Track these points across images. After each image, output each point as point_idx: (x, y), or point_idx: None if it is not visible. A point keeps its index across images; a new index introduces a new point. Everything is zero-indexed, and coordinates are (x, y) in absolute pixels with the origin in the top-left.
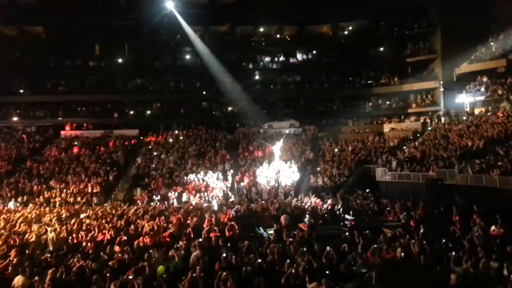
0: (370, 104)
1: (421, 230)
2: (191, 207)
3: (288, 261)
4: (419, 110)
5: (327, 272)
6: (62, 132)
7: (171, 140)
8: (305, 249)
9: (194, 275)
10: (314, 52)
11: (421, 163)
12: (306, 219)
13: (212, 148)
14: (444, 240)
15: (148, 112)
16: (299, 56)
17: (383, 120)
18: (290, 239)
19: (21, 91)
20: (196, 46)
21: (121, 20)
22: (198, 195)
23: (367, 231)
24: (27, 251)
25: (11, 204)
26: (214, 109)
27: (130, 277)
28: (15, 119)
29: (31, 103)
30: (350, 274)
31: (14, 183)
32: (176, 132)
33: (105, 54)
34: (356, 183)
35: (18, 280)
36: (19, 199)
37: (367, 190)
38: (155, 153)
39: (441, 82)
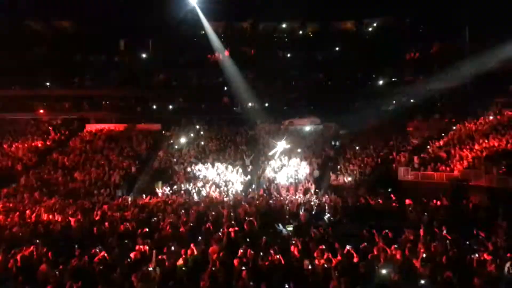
0: (394, 102)
1: (444, 231)
2: (211, 202)
3: (307, 258)
4: (444, 109)
5: (346, 270)
6: (87, 125)
7: (192, 135)
8: (324, 246)
9: (213, 269)
10: (337, 48)
11: (445, 163)
12: (326, 217)
13: (232, 143)
14: (467, 242)
15: (171, 107)
16: (322, 53)
17: (407, 118)
18: (310, 237)
19: (48, 84)
20: (214, 43)
21: (145, 16)
22: (218, 189)
23: (388, 231)
24: (51, 241)
25: None
26: (235, 104)
27: (150, 269)
28: (41, 111)
29: (57, 97)
30: (371, 274)
31: (40, 174)
32: (198, 127)
33: (129, 49)
34: (378, 182)
35: (43, 268)
36: (44, 189)
37: (389, 190)
38: (176, 147)
39: (469, 82)
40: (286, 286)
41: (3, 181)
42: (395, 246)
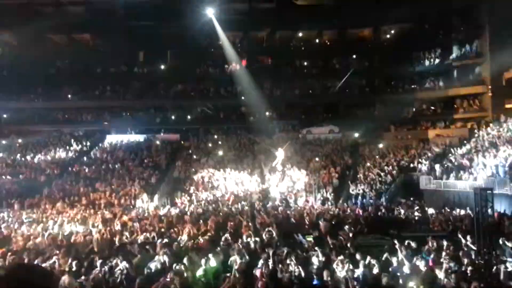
0: (414, 109)
1: (469, 241)
2: (230, 211)
3: (327, 269)
4: (465, 116)
5: (368, 282)
6: (108, 136)
7: (210, 145)
8: (344, 257)
9: (232, 279)
10: (354, 56)
11: (468, 171)
12: (346, 227)
13: (250, 152)
14: (494, 252)
15: (189, 117)
16: (339, 61)
17: (427, 126)
18: (330, 247)
19: (69, 96)
20: (231, 53)
21: (164, 27)
22: (236, 199)
23: (411, 241)
24: (73, 252)
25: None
26: (252, 114)
27: (168, 279)
28: (63, 123)
29: (79, 108)
30: (393, 286)
31: (62, 185)
32: (216, 136)
33: (148, 60)
34: (399, 191)
35: (65, 279)
36: (67, 200)
37: (411, 199)
38: (194, 157)
39: (489, 87)
40: None
41: (27, 192)
42: (418, 256)
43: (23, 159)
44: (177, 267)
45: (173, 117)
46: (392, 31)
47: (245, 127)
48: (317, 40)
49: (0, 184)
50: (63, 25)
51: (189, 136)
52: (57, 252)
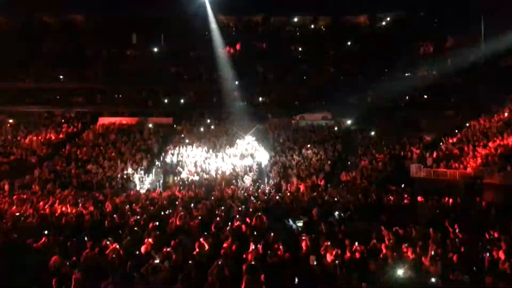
0: (407, 97)
1: (456, 230)
2: (221, 196)
3: (314, 254)
4: (458, 104)
5: (355, 267)
6: (100, 118)
7: (202, 129)
8: (331, 243)
9: (221, 263)
10: (349, 43)
11: (458, 160)
12: (336, 213)
13: (243, 138)
14: (480, 241)
15: (182, 101)
16: (334, 47)
17: (420, 114)
18: (319, 233)
19: (61, 77)
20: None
21: (157, 9)
22: (228, 184)
23: (399, 228)
24: (63, 232)
25: None
26: (245, 99)
27: (157, 261)
28: (55, 104)
29: (70, 90)
30: (380, 272)
31: (53, 166)
32: (208, 121)
33: (141, 43)
34: (389, 179)
35: (54, 260)
36: (57, 181)
37: (402, 186)
38: (187, 141)
39: (483, 76)
40: (295, 282)
41: (17, 172)
42: (406, 244)
43: (14, 139)
44: (168, 250)
45: (165, 101)
46: (388, 18)
47: (238, 112)
48: (312, 26)
49: None
50: (54, 5)
51: (182, 119)
52: (48, 232)
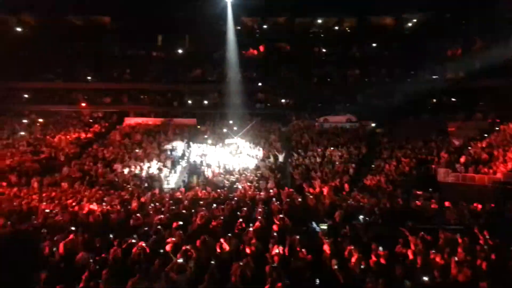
0: (434, 100)
1: (486, 236)
2: (244, 197)
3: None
4: (487, 108)
5: (381, 272)
6: (126, 119)
7: (225, 130)
8: (355, 247)
9: (243, 264)
10: (375, 44)
11: (487, 165)
12: (361, 217)
13: (265, 139)
14: (510, 248)
15: (206, 102)
16: (359, 49)
17: (448, 117)
18: (343, 236)
19: (89, 78)
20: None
21: (183, 11)
22: (251, 185)
23: (426, 234)
24: (90, 230)
25: None
26: (269, 100)
27: (180, 260)
28: (83, 104)
29: (97, 90)
30: (406, 277)
31: (81, 165)
32: (231, 122)
33: (167, 44)
34: (416, 183)
35: (82, 256)
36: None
37: (429, 190)
38: (210, 142)
39: None
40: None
41: (46, 171)
42: (433, 249)
43: (43, 138)
44: (192, 250)
45: (190, 102)
46: (414, 20)
47: (262, 114)
48: (336, 28)
49: (21, 162)
50: (82, 7)
51: (206, 120)
52: (76, 229)
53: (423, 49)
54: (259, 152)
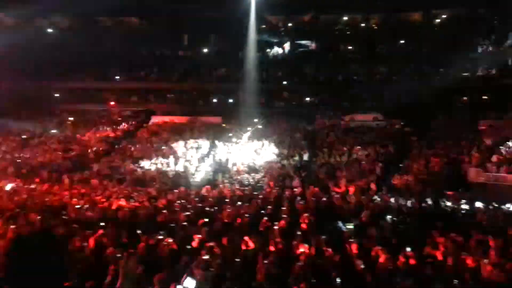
0: (465, 98)
1: None
2: (269, 195)
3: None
4: None
5: (409, 273)
6: (153, 117)
7: (250, 128)
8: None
9: (268, 262)
10: (402, 41)
11: None
12: (388, 217)
13: (290, 138)
14: None
15: (231, 100)
16: (386, 46)
17: (479, 116)
18: (370, 236)
19: (117, 77)
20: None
21: (208, 11)
22: (276, 183)
23: (457, 235)
24: (119, 226)
25: None
26: (294, 98)
27: (205, 257)
28: (112, 103)
29: (126, 89)
30: (436, 279)
31: (110, 162)
32: (255, 120)
33: (192, 44)
34: (446, 183)
35: (110, 251)
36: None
37: (460, 190)
38: (235, 140)
39: None
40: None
41: (77, 167)
42: (464, 251)
43: (74, 136)
44: (217, 246)
45: (215, 100)
46: (444, 16)
47: (287, 112)
48: (363, 24)
49: (52, 159)
50: (111, 7)
51: (231, 119)
52: (105, 225)
53: (453, 45)
54: (284, 151)
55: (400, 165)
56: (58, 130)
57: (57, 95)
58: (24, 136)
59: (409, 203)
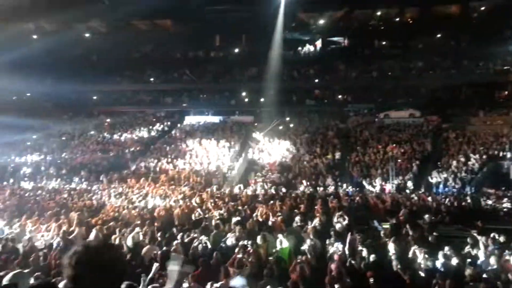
0: (506, 92)
1: None
2: (302, 194)
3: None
4: None
5: (449, 273)
6: (186, 117)
7: (282, 127)
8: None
9: (303, 260)
10: (439, 35)
11: None
12: (426, 216)
13: (323, 136)
14: None
15: (262, 99)
16: (422, 40)
17: None
18: (408, 236)
19: (152, 79)
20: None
21: (239, 11)
22: (308, 182)
23: (498, 234)
24: (156, 224)
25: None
26: (326, 97)
27: (239, 255)
28: (147, 105)
29: (160, 91)
30: (477, 278)
31: (146, 162)
32: (288, 119)
33: (224, 44)
34: (486, 181)
35: (148, 249)
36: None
37: (503, 188)
38: (267, 139)
39: None
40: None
41: (115, 167)
42: (506, 251)
43: (111, 137)
44: (252, 245)
45: (246, 100)
46: (482, 8)
47: (319, 110)
48: (397, 19)
49: (91, 159)
50: (146, 11)
51: (262, 118)
52: (141, 223)
53: (492, 38)
54: (317, 149)
55: (438, 162)
56: (96, 131)
57: (95, 97)
58: (63, 138)
59: (447, 201)
